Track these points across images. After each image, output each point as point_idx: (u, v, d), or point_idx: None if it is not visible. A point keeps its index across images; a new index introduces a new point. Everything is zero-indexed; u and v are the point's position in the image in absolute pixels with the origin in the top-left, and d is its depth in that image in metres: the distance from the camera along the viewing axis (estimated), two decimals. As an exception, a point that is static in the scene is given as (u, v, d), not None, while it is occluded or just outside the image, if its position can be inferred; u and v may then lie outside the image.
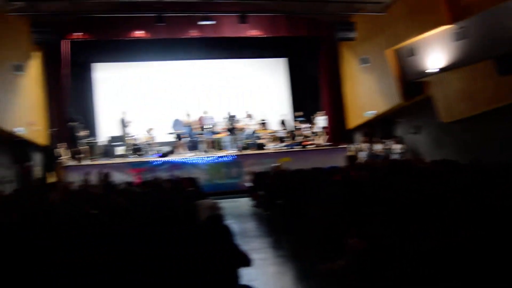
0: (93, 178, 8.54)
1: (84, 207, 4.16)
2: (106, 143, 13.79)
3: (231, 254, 2.74)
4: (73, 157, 11.82)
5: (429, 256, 2.80)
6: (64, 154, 11.63)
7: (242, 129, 13.97)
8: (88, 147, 12.64)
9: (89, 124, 13.61)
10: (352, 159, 12.65)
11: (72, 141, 11.95)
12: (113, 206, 4.19)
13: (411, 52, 11.28)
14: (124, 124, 12.39)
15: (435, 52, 10.51)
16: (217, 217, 3.20)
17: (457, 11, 9.53)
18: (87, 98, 14.83)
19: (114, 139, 13.10)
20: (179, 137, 13.03)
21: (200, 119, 13.26)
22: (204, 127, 13.15)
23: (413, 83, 11.44)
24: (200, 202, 4.72)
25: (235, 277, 2.78)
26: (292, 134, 14.40)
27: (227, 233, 2.87)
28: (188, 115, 12.69)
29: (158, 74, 15.47)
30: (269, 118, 15.09)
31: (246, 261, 2.96)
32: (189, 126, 12.69)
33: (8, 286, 2.68)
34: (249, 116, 14.47)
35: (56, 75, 12.85)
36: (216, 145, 13.93)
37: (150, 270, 2.58)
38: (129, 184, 7.90)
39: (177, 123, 12.90)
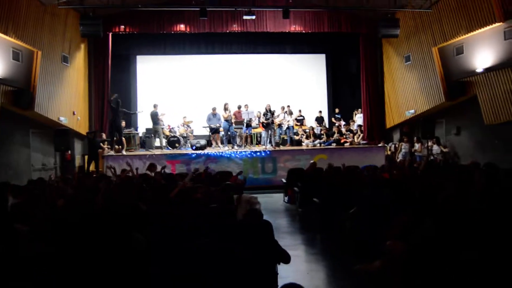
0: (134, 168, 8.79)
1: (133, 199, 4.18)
2: (144, 134, 14.24)
3: (271, 251, 2.75)
4: (112, 147, 12.19)
5: (470, 265, 2.71)
6: (104, 144, 12.02)
7: (279, 125, 14.10)
8: (127, 138, 13.06)
9: (129, 115, 14.02)
10: (390, 158, 12.51)
11: (112, 132, 12.32)
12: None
13: (458, 50, 10.92)
14: (155, 117, 12.67)
15: (483, 51, 10.13)
16: (257, 212, 3.23)
17: (509, 8, 9.13)
18: (128, 90, 15.35)
19: (149, 131, 13.46)
20: (215, 130, 13.24)
21: (238, 113, 13.39)
22: (241, 121, 13.27)
23: (457, 82, 11.09)
24: (237, 196, 4.77)
25: (275, 273, 2.79)
26: (329, 131, 14.35)
27: (267, 229, 2.90)
28: (226, 109, 12.84)
29: (198, 68, 15.83)
30: (306, 114, 15.07)
31: (285, 258, 2.96)
32: (226, 120, 12.83)
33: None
34: (287, 111, 14.52)
35: (100, 67, 13.32)
36: (252, 140, 14.14)
37: (191, 265, 2.60)
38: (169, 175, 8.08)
39: (214, 116, 13.07)
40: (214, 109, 13.21)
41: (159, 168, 7.74)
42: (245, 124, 13.25)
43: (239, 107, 13.55)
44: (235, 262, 2.48)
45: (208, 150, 12.45)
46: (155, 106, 12.86)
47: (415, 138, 12.64)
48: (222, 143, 13.19)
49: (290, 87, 15.92)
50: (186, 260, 2.59)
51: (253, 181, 11.53)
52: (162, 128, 13.47)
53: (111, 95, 12.22)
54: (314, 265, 5.36)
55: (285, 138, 14.13)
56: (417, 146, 12.40)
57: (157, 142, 13.13)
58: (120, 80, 14.63)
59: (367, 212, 4.86)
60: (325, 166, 8.86)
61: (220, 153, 11.91)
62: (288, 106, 14.70)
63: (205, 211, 3.71)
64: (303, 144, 13.74)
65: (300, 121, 14.74)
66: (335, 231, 5.85)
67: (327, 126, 15.06)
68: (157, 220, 3.37)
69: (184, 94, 15.48)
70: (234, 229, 2.86)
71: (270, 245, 2.85)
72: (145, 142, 13.47)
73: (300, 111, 14.89)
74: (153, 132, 13.00)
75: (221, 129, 13.22)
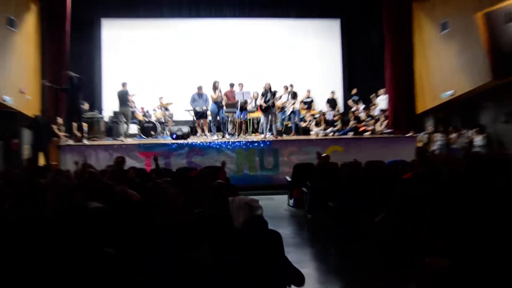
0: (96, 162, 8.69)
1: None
2: (110, 119, 14.09)
3: (280, 270, 2.65)
4: (71, 135, 12.03)
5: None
6: (60, 131, 11.85)
7: (281, 108, 14.02)
8: (89, 123, 12.91)
9: (93, 95, 13.84)
10: (422, 152, 12.42)
11: (70, 115, 12.13)
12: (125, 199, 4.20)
13: (509, 17, 10.83)
14: (124, 97, 12.50)
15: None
16: (259, 220, 3.11)
17: None
18: (91, 62, 15.21)
19: (117, 115, 13.34)
20: (201, 115, 13.15)
21: (229, 93, 13.27)
22: (233, 103, 13.15)
23: (508, 57, 11.00)
24: (232, 199, 4.65)
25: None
26: (344, 117, 14.28)
27: (275, 242, 2.78)
28: (215, 88, 12.71)
29: (180, 36, 15.79)
30: (316, 95, 15.01)
31: (298, 279, 2.86)
32: (215, 102, 12.70)
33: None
34: (291, 92, 14.38)
35: (56, 34, 13.09)
36: (248, 127, 14.08)
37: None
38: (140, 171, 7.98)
39: (200, 97, 12.98)
40: (200, 88, 13.09)
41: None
42: (238, 107, 13.08)
43: (232, 86, 13.40)
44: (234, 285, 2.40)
45: (192, 140, 12.36)
46: (124, 84, 12.68)
47: (453, 127, 12.60)
48: (210, 130, 13.11)
49: (295, 61, 15.82)
50: (171, 280, 2.53)
51: (249, 179, 11.45)
52: (133, 112, 13.35)
53: (69, 74, 11.95)
54: (328, 286, 5.29)
55: (289, 125, 14.08)
56: (455, 136, 12.35)
57: (129, 129, 13.03)
58: (81, 51, 14.42)
59: (398, 220, 4.79)
60: (340, 160, 8.81)
61: (208, 144, 11.78)
62: (292, 86, 14.58)
63: (190, 217, 3.64)
64: (311, 132, 13.69)
65: (308, 104, 14.63)
66: (355, 243, 5.77)
67: (341, 110, 14.98)
68: (132, 229, 3.32)
69: (161, 69, 15.38)
70: (231, 242, 2.75)
71: (279, 263, 2.74)
72: (112, 129, 13.32)
73: (308, 91, 14.77)
74: (121, 116, 12.85)
75: (208, 113, 13.12)
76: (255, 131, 14.18)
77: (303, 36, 16.04)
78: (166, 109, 14.02)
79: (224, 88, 13.23)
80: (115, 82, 13.26)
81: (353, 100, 15.02)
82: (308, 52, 16.01)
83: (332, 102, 14.99)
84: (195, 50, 15.62)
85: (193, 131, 13.50)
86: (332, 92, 15.20)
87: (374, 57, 15.46)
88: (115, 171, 7.06)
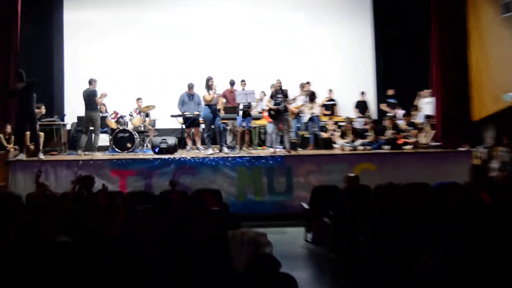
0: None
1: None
2: (74, 127, 14.12)
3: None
4: (22, 147, 12.04)
5: None
6: (8, 142, 11.87)
7: (296, 114, 14.05)
8: (46, 132, 12.93)
9: (52, 96, 13.88)
10: (480, 171, 12.42)
11: (21, 122, 12.14)
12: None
13: None
14: (92, 99, 12.53)
15: None
16: (268, 260, 3.10)
17: None
18: (49, 54, 15.34)
19: (82, 121, 13.31)
20: (193, 122, 13.21)
21: (228, 94, 13.32)
22: (233, 107, 13.19)
23: None
24: (232, 233, 4.65)
25: None
26: (378, 126, 14.26)
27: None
28: (209, 87, 12.72)
29: (164, 21, 15.98)
30: (340, 97, 15.07)
31: None
32: (210, 105, 12.73)
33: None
34: (309, 92, 14.40)
35: (4, 16, 13.13)
36: (252, 138, 14.11)
37: None
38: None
39: (190, 99, 13.04)
40: (190, 87, 13.19)
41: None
42: (240, 112, 13.13)
43: (232, 84, 13.50)
44: None
45: (180, 154, 12.34)
46: (91, 81, 12.72)
47: None
48: (203, 142, 13.15)
49: (314, 53, 15.95)
50: None
51: (254, 206, 11.42)
52: (105, 118, 13.43)
53: (21, 73, 11.97)
54: None
55: (307, 135, 14.09)
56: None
57: (98, 140, 13.06)
58: (36, 39, 14.54)
59: (448, 261, 4.78)
60: (372, 182, 8.78)
61: (200, 160, 11.79)
62: (309, 84, 14.60)
63: (177, 255, 3.63)
64: (335, 146, 13.62)
65: (331, 108, 14.66)
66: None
67: (374, 117, 14.99)
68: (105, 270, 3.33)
69: (141, 62, 15.55)
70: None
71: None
72: (76, 140, 13.32)
73: (330, 92, 14.80)
74: (87, 122, 12.86)
75: (201, 119, 13.15)
76: (261, 143, 14.22)
77: (324, 19, 16.15)
78: (147, 114, 14.05)
79: (221, 87, 13.27)
80: (81, 79, 13.30)
81: (389, 104, 15.04)
82: (330, 40, 16.12)
83: (361, 106, 15.01)
84: (185, 38, 15.76)
85: (181, 144, 13.54)
86: (362, 93, 15.21)
87: (417, 47, 15.50)
88: (79, 195, 7.06)
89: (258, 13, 16.13)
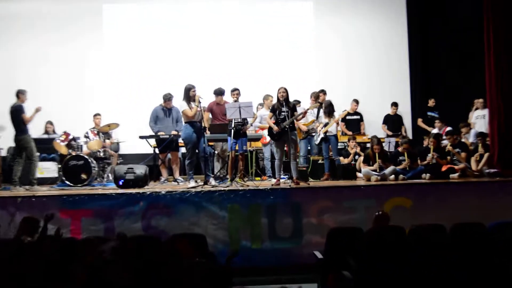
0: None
1: None
2: (11, 154, 14.13)
3: None
4: None
5: None
6: None
7: (306, 133, 14.13)
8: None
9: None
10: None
11: None
12: None
13: None
14: (18, 116, 12.53)
15: None
16: None
17: None
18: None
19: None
20: (169, 145, 13.31)
21: (216, 107, 13.34)
22: (223, 124, 13.21)
23: None
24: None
25: None
26: (414, 148, 14.31)
27: None
28: (191, 97, 12.73)
29: (129, 12, 16.23)
30: (365, 109, 15.12)
31: None
32: (193, 122, 12.74)
33: None
34: (325, 104, 14.42)
35: None
36: (248, 165, 14.13)
37: None
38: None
39: (167, 115, 13.09)
40: (167, 99, 13.33)
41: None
42: (232, 131, 13.14)
43: (219, 94, 13.51)
44: None
45: (152, 188, 12.32)
46: (19, 93, 12.65)
47: None
48: (183, 172, 13.26)
49: (329, 54, 16.12)
50: None
51: (251, 256, 11.33)
52: (53, 140, 13.41)
53: None
54: None
55: (321, 161, 14.15)
56: None
57: (36, 170, 13.04)
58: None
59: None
60: (408, 223, 8.78)
61: (179, 195, 11.79)
62: (324, 93, 14.67)
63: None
64: (359, 174, 13.76)
65: (353, 124, 14.71)
66: None
67: (408, 135, 15.08)
68: None
69: (100, 66, 15.81)
70: None
71: None
72: (13, 171, 13.33)
73: (355, 103, 14.87)
74: (17, 149, 12.88)
75: (181, 141, 13.25)
76: (260, 173, 14.29)
77: (344, 11, 16.48)
78: (108, 135, 14.12)
79: (208, 97, 13.32)
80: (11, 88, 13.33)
81: (430, 118, 15.09)
82: (353, 38, 16.37)
83: (392, 122, 15.04)
84: (160, 33, 16.04)
85: (153, 174, 13.52)
86: (393, 105, 15.27)
87: (465, 46, 15.61)
88: (21, 244, 7.03)
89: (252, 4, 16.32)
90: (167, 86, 13.71)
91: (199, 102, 12.73)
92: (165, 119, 13.27)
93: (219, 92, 13.47)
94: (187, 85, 12.77)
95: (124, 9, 16.31)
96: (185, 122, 12.78)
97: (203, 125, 13.01)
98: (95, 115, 14.09)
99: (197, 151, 12.92)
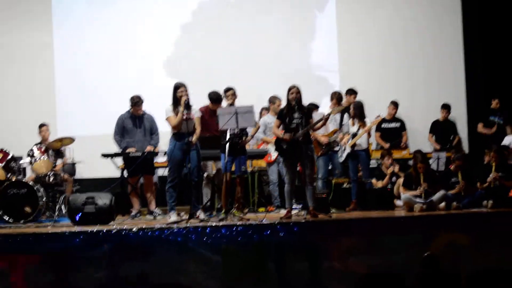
0: None
1: None
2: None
3: None
4: None
5: None
6: None
7: (327, 146, 14.14)
8: None
9: None
10: None
11: None
12: None
13: None
14: None
15: None
16: None
17: None
18: None
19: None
20: (143, 166, 13.33)
21: (208, 113, 13.38)
22: (216, 137, 13.23)
23: None
24: None
25: None
26: (470, 165, 14.29)
27: None
28: (177, 102, 12.77)
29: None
30: (406, 114, 15.17)
31: None
32: (179, 133, 12.76)
33: None
34: (353, 107, 14.44)
35: None
36: (250, 191, 14.29)
37: None
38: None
39: (137, 124, 13.13)
40: (135, 103, 13.37)
41: None
42: (226, 146, 13.16)
43: (216, 101, 13.59)
44: None
45: (120, 224, 12.39)
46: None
47: None
48: (161, 202, 13.28)
49: (353, 40, 16.31)
50: None
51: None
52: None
53: None
54: None
55: (346, 184, 14.20)
56: None
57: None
58: None
59: None
60: (464, 267, 8.84)
61: (157, 233, 11.84)
62: (353, 92, 14.72)
63: None
64: (398, 202, 13.80)
65: (391, 134, 14.78)
66: None
67: (464, 147, 15.10)
68: None
69: (43, 58, 15.92)
70: None
71: None
72: None
73: (394, 106, 14.94)
74: None
75: (161, 160, 13.30)
76: (265, 201, 14.27)
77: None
78: (59, 153, 14.12)
79: (197, 101, 13.32)
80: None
81: (492, 122, 15.12)
82: (385, 22, 16.53)
83: (444, 131, 15.09)
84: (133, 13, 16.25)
85: (121, 205, 13.49)
86: (445, 109, 15.32)
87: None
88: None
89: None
90: (143, 87, 13.65)
91: (188, 106, 12.69)
92: (134, 131, 13.30)
93: (216, 99, 13.49)
94: (175, 84, 12.75)
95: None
96: (172, 134, 12.78)
97: (193, 138, 12.80)
98: (41, 126, 14.08)
99: (182, 172, 12.92)
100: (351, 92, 14.50)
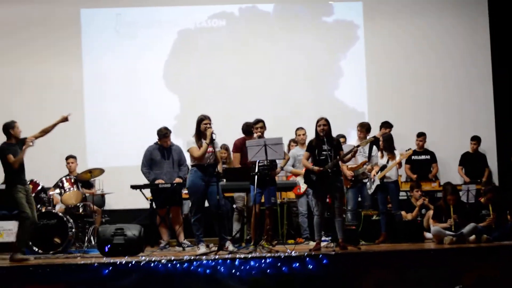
0: None
1: None
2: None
3: None
4: None
5: None
6: None
7: (356, 178, 14.14)
8: None
9: None
10: None
11: None
12: None
13: None
14: None
15: None
16: None
17: None
18: None
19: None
20: (170, 198, 13.35)
21: (239, 145, 13.38)
22: (245, 170, 13.19)
23: None
24: None
25: None
26: (502, 197, 14.17)
27: None
28: (200, 133, 12.75)
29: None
30: (436, 146, 15.10)
31: None
32: (203, 165, 12.74)
33: None
34: (385, 138, 14.36)
35: None
36: (279, 224, 14.19)
37: None
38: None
39: (165, 156, 13.13)
40: (163, 135, 13.40)
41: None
42: (255, 178, 13.11)
43: (248, 133, 13.62)
44: None
45: (149, 255, 12.34)
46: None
47: None
48: (189, 234, 13.18)
49: (382, 65, 16.31)
50: None
51: None
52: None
53: None
54: None
55: (375, 217, 14.12)
56: None
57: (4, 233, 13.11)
58: None
59: None
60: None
61: (186, 265, 11.82)
62: (388, 126, 14.66)
63: None
64: (428, 235, 13.74)
65: (422, 166, 14.72)
66: None
67: (494, 180, 14.98)
68: None
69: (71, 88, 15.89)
70: None
71: None
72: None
73: (421, 138, 14.89)
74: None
75: (185, 192, 13.30)
76: (294, 233, 14.25)
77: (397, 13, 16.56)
78: (89, 184, 14.20)
79: (226, 131, 13.29)
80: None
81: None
82: (414, 47, 16.54)
83: (474, 163, 15.02)
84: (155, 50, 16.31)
85: (151, 236, 13.53)
86: (474, 141, 15.24)
87: None
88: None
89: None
90: (169, 118, 13.65)
91: (212, 140, 12.68)
92: (162, 162, 13.30)
93: (247, 131, 13.50)
94: (199, 116, 12.72)
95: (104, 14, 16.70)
96: (192, 165, 12.72)
97: (218, 169, 12.86)
98: (67, 158, 14.13)
99: (208, 205, 12.90)
100: (387, 125, 14.48)
